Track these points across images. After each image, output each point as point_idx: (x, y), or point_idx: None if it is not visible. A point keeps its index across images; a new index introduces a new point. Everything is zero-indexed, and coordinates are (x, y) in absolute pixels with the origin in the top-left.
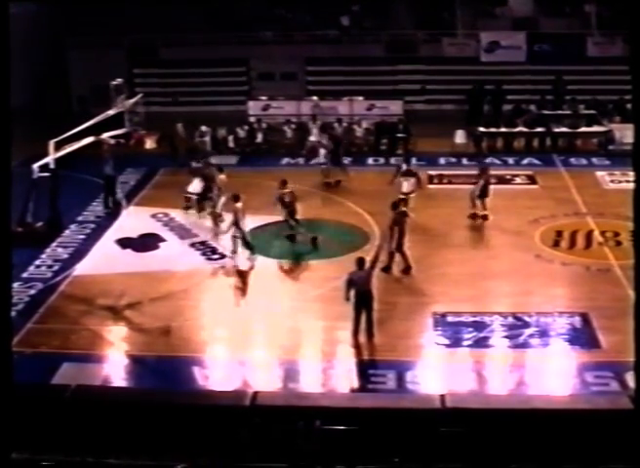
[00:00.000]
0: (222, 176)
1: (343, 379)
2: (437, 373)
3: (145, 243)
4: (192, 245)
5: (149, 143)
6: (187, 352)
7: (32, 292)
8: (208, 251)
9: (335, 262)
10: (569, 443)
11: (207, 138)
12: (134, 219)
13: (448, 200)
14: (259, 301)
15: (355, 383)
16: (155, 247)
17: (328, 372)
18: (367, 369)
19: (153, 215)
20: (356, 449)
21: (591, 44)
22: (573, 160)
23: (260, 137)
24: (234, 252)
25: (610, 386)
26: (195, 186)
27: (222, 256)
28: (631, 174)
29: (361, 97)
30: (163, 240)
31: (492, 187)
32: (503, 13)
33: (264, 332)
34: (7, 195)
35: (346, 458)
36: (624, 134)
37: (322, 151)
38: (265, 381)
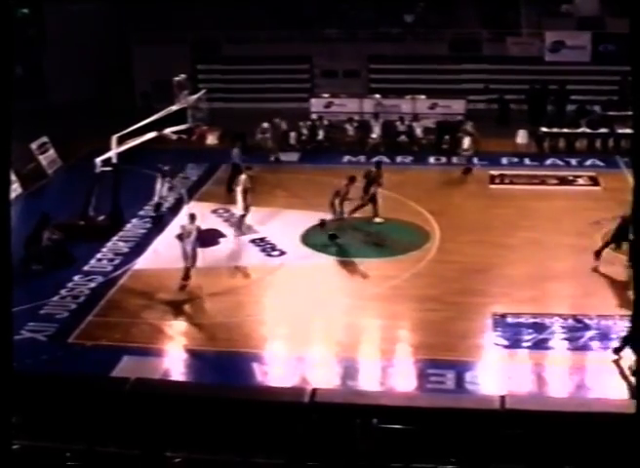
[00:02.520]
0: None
1: (402, 378)
2: (496, 374)
3: (206, 238)
4: (252, 241)
5: (211, 139)
6: (247, 348)
7: (93, 285)
8: (268, 247)
9: (394, 261)
10: (627, 446)
11: (268, 135)
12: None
13: (509, 200)
14: (318, 298)
15: (414, 382)
16: (215, 242)
17: (386, 371)
18: (426, 368)
19: (214, 211)
20: (413, 449)
21: None
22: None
23: (321, 135)
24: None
25: None
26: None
27: (282, 253)
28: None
29: (424, 96)
30: (223, 235)
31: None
32: (569, 12)
33: (323, 330)
34: (7, 195)
35: (403, 457)
36: None
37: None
38: (324, 378)
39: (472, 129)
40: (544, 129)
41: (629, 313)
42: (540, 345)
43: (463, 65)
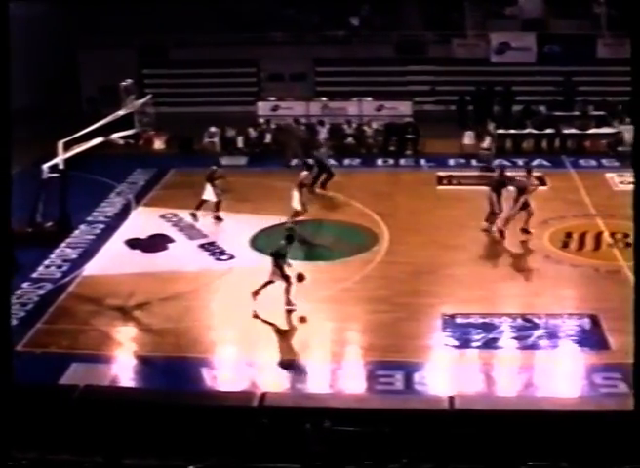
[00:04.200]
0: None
1: (352, 380)
2: (446, 375)
3: (154, 243)
4: (201, 245)
5: (158, 144)
6: (196, 353)
7: (41, 292)
8: (217, 251)
9: (344, 263)
10: (577, 444)
11: (216, 139)
12: (143, 220)
13: (456, 201)
14: (267, 302)
15: (363, 384)
16: (164, 247)
17: (336, 373)
18: (375, 369)
19: (162, 216)
20: (364, 450)
21: (601, 45)
22: (582, 161)
23: (268, 138)
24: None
25: (618, 388)
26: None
27: (231, 257)
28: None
29: (370, 98)
30: (172, 240)
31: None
32: (513, 13)
33: (273, 333)
34: (7, 195)
35: (355, 459)
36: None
37: None
38: (274, 382)
39: (493, 129)
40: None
41: (578, 311)
42: (489, 345)
43: (409, 67)
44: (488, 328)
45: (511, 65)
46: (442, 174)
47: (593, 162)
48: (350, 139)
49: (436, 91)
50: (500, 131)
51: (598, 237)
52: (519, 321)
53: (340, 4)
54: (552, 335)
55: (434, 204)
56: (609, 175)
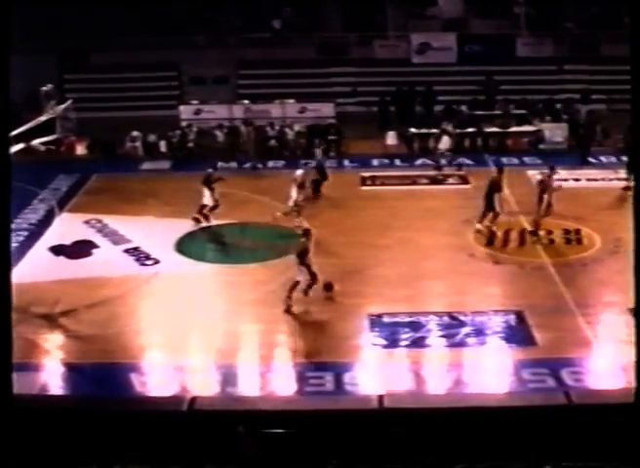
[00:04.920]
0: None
1: (282, 382)
2: (375, 374)
3: (79, 250)
4: (126, 251)
5: (80, 149)
6: (125, 358)
7: None
8: (142, 256)
9: (269, 266)
10: (506, 440)
11: (138, 144)
12: (66, 226)
13: (381, 201)
14: (194, 306)
15: (294, 386)
16: (89, 253)
17: (266, 376)
18: (305, 371)
19: (86, 222)
20: (296, 452)
21: (521, 44)
22: (504, 159)
23: (191, 142)
24: None
25: (546, 383)
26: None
27: (156, 262)
28: (562, 172)
29: (293, 100)
30: (96, 246)
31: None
32: (434, 14)
33: (201, 337)
34: (7, 196)
35: (287, 461)
36: (554, 133)
37: None
38: (203, 386)
39: (452, 129)
40: (413, 130)
41: (503, 308)
42: (417, 344)
43: (331, 69)
44: (415, 326)
45: (432, 65)
46: (366, 174)
47: (515, 160)
48: (273, 142)
49: (358, 92)
50: (423, 130)
51: (522, 234)
52: (446, 319)
53: (262, 7)
54: (479, 333)
55: (358, 204)
56: (531, 172)
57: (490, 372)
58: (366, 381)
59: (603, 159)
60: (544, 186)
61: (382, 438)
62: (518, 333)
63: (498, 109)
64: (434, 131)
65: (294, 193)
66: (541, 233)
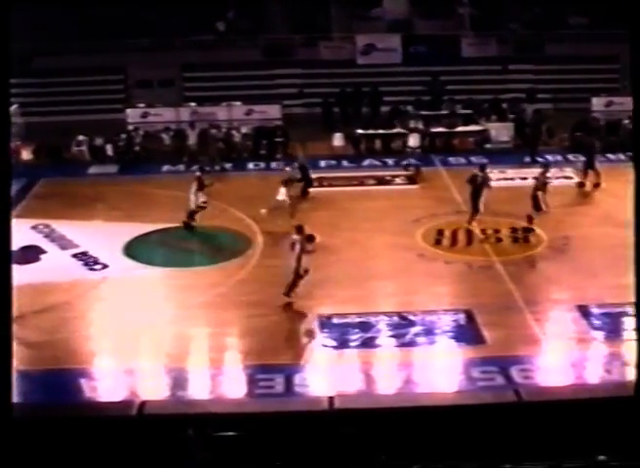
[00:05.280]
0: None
1: (232, 385)
2: (325, 375)
3: (26, 255)
4: (74, 255)
5: (26, 154)
6: (74, 364)
7: None
8: (90, 261)
9: (218, 268)
10: (456, 438)
11: (84, 148)
12: (13, 232)
13: (329, 202)
14: (144, 310)
15: (244, 389)
16: (36, 259)
17: (216, 379)
18: (255, 374)
19: (34, 227)
20: (246, 455)
21: (466, 45)
22: (451, 159)
23: (137, 145)
24: None
25: (495, 381)
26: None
27: (105, 266)
28: (509, 171)
29: (239, 103)
30: (44, 251)
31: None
32: (378, 15)
33: (151, 341)
34: (7, 196)
35: (237, 464)
36: (500, 132)
37: None
38: (153, 390)
39: (423, 126)
40: (360, 131)
41: (453, 307)
42: (367, 344)
43: (277, 70)
44: (365, 327)
45: (378, 66)
46: (313, 176)
47: (462, 159)
48: (220, 144)
49: (304, 93)
50: (370, 131)
51: (470, 233)
52: (395, 319)
53: (206, 9)
54: (429, 332)
55: (307, 206)
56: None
57: (440, 371)
58: (316, 383)
59: (549, 158)
60: (539, 183)
61: (334, 439)
62: (467, 332)
63: (444, 109)
64: (399, 130)
65: (282, 190)
66: (489, 232)
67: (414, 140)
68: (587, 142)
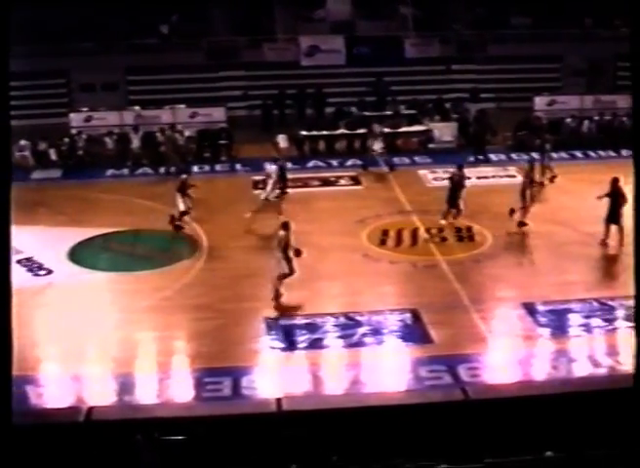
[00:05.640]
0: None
1: (179, 389)
2: (273, 378)
3: None
4: (18, 261)
5: None
6: (19, 371)
7: None
8: (35, 266)
9: (164, 272)
10: (405, 437)
11: (27, 153)
12: None
13: (274, 204)
14: (89, 315)
15: (191, 392)
16: None
17: (163, 383)
18: (202, 377)
19: None
20: (195, 459)
21: (409, 45)
22: (395, 159)
23: (81, 150)
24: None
25: (443, 380)
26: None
27: (49, 272)
28: (451, 170)
29: (183, 106)
30: None
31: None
32: (322, 16)
33: (97, 347)
34: (7, 196)
35: None
36: (444, 132)
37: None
38: (101, 396)
39: (379, 129)
40: (304, 132)
41: (399, 307)
42: (314, 345)
43: (221, 73)
44: (312, 328)
45: (322, 68)
46: (257, 178)
47: (406, 160)
48: (164, 148)
49: (249, 95)
50: (314, 132)
51: (414, 233)
52: (342, 319)
53: (148, 12)
54: (376, 332)
55: (251, 208)
56: (422, 171)
57: (387, 371)
58: (264, 385)
59: (492, 157)
60: (528, 180)
61: (282, 441)
62: (414, 332)
63: (388, 110)
64: (343, 131)
65: (268, 188)
66: (433, 231)
67: (378, 144)
68: (536, 140)
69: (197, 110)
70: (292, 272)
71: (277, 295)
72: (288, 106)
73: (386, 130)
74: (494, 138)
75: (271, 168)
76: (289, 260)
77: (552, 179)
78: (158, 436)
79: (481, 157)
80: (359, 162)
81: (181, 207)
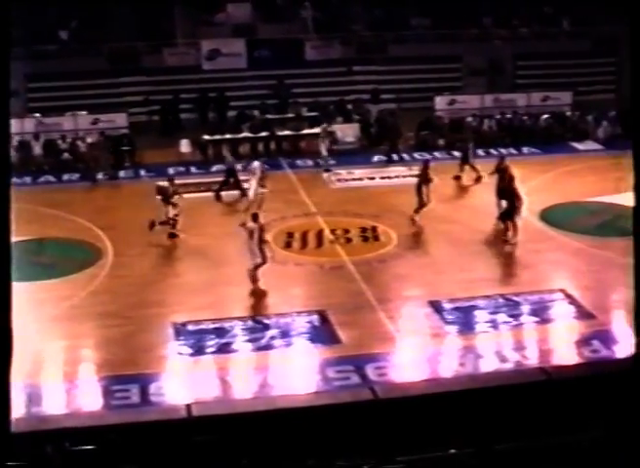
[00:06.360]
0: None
1: (87, 398)
2: (182, 383)
3: None
4: None
5: None
6: None
7: None
8: None
9: (69, 280)
10: (316, 439)
11: None
12: None
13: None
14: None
15: (100, 401)
16: None
17: (71, 392)
18: (110, 385)
19: None
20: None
21: (309, 48)
22: (299, 162)
23: None
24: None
25: (351, 380)
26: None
27: None
28: (356, 172)
29: (85, 112)
30: None
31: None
32: (222, 20)
33: None
34: (7, 197)
35: None
36: (346, 133)
37: None
38: None
39: (325, 131)
40: (207, 136)
41: (306, 309)
42: (222, 350)
43: (122, 79)
44: (220, 333)
45: (223, 72)
46: (161, 183)
47: (310, 162)
48: (66, 155)
49: (150, 100)
50: (217, 137)
51: (320, 235)
52: (250, 323)
53: (48, 18)
54: (284, 334)
55: (154, 214)
56: (325, 173)
57: (296, 373)
58: (173, 391)
59: (395, 157)
60: (422, 178)
61: (193, 446)
62: (322, 333)
63: (290, 113)
64: (227, 136)
65: (253, 185)
66: (339, 232)
67: (324, 147)
68: (438, 140)
69: (99, 117)
70: (264, 261)
71: (255, 281)
72: (186, 110)
73: (288, 132)
74: (396, 139)
75: (254, 165)
76: (262, 250)
77: (478, 180)
78: (68, 446)
79: (394, 157)
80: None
81: (170, 214)
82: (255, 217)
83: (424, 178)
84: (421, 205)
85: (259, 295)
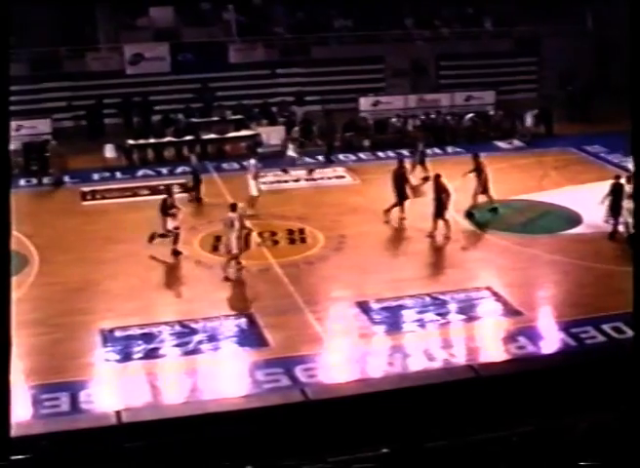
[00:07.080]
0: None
1: (16, 407)
2: (111, 390)
3: None
4: None
5: None
6: None
7: None
8: None
9: None
10: (247, 442)
11: None
12: None
13: (103, 215)
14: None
15: (28, 410)
16: None
17: None
18: (39, 393)
19: None
20: None
21: (233, 51)
22: (224, 165)
23: None
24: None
25: (281, 382)
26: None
27: None
28: (281, 173)
29: None
30: None
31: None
32: (145, 24)
33: None
34: (7, 197)
35: None
36: (271, 135)
37: None
38: None
39: (296, 134)
40: (131, 141)
41: (234, 312)
42: (150, 355)
43: (45, 84)
44: (148, 338)
45: (147, 76)
46: (86, 189)
47: (235, 165)
48: None
49: (73, 106)
50: (141, 141)
51: (247, 237)
52: (177, 328)
53: None
54: (212, 338)
55: (81, 220)
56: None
57: (226, 377)
58: (102, 398)
59: (320, 158)
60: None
61: (124, 453)
62: (250, 336)
63: (215, 116)
64: (152, 140)
65: (252, 183)
66: (266, 235)
67: (293, 150)
68: (363, 141)
69: (22, 123)
70: (241, 252)
71: (226, 270)
72: (111, 115)
73: (213, 136)
74: (322, 140)
75: (250, 163)
76: (239, 241)
77: (425, 180)
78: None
79: (331, 158)
80: (188, 169)
81: (169, 226)
82: (233, 208)
83: (403, 177)
84: (397, 204)
85: (184, 300)
